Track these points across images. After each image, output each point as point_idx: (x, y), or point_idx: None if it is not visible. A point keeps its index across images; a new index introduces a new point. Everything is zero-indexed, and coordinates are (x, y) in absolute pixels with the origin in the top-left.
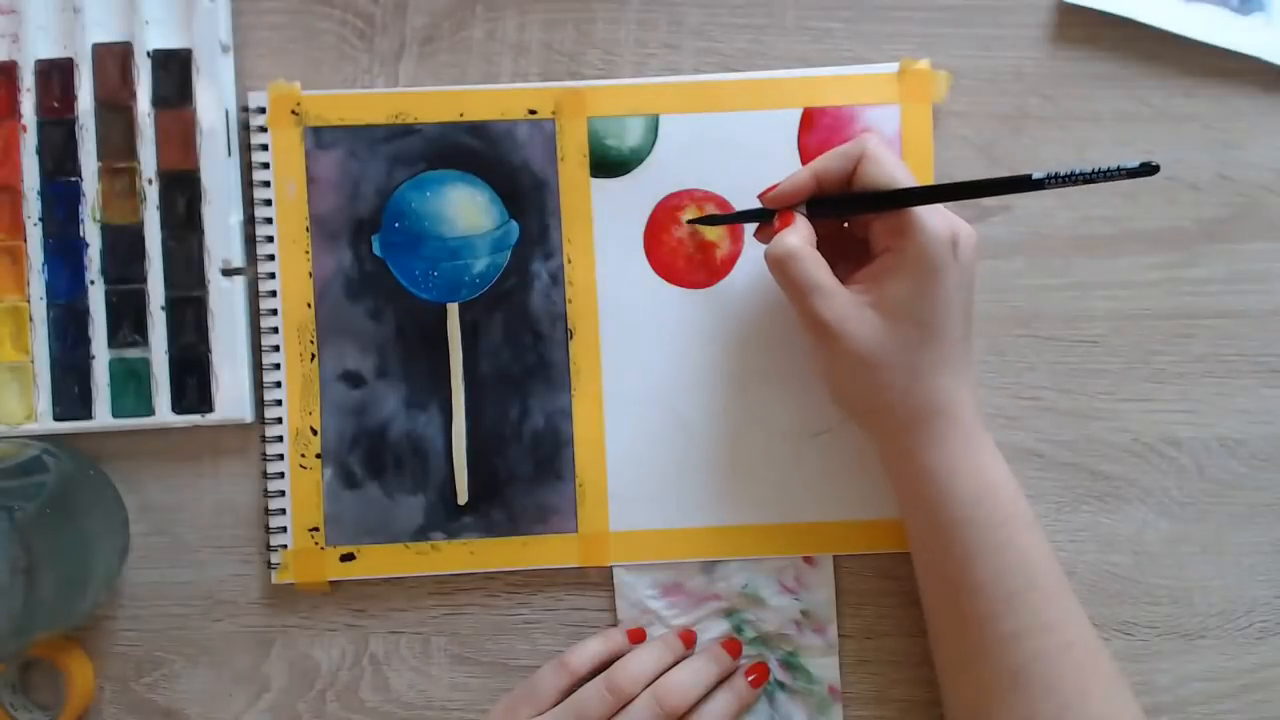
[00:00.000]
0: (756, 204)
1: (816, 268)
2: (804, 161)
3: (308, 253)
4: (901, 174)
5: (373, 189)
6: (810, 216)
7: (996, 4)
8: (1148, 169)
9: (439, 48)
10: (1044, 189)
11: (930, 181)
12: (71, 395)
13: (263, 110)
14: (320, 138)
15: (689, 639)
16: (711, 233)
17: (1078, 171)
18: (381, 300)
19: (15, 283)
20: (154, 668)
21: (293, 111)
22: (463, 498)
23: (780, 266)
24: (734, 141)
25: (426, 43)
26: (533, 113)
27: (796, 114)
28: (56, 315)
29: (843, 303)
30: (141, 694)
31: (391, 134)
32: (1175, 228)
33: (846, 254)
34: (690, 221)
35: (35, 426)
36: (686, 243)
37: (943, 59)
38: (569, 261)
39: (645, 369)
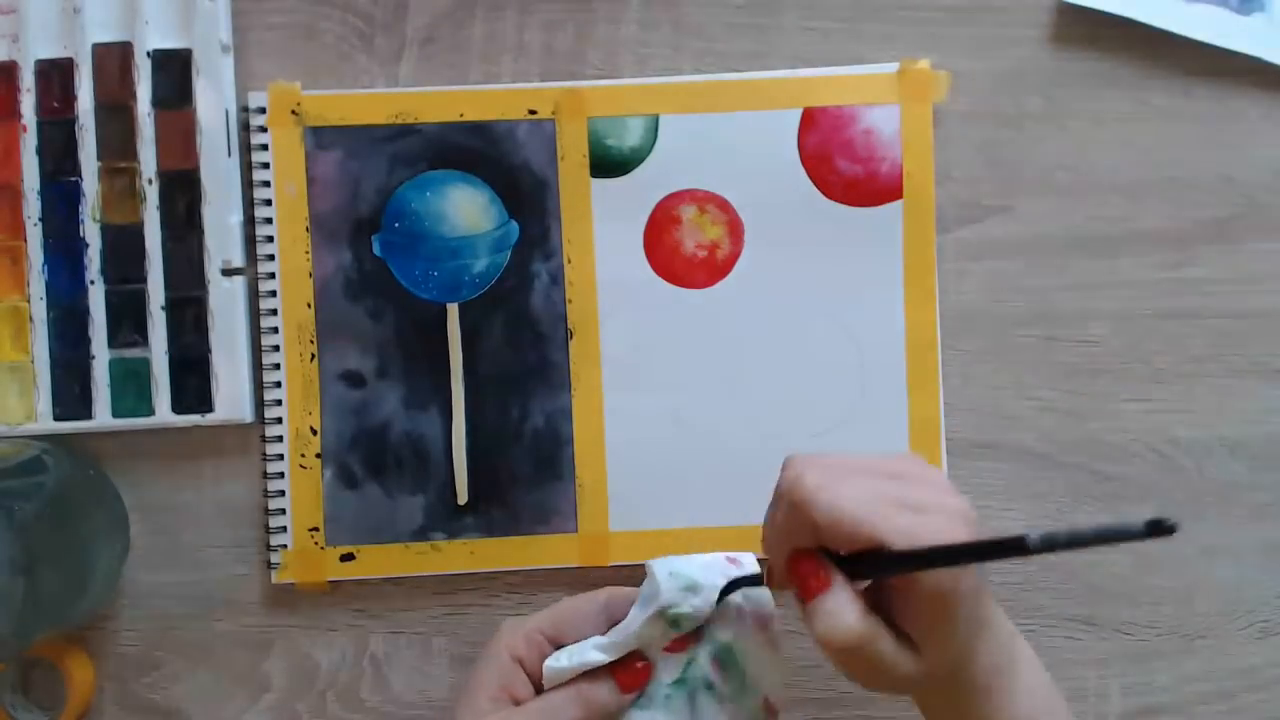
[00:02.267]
0: (762, 209)
1: (887, 643)
2: (804, 161)
3: (308, 253)
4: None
5: (373, 189)
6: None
7: (996, 4)
8: (1160, 529)
9: (439, 48)
10: (1037, 553)
11: (930, 182)
12: (71, 395)
13: (263, 110)
14: (320, 138)
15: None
16: (711, 232)
17: (1079, 534)
18: (381, 300)
19: (15, 283)
20: (154, 668)
21: (293, 111)
22: (463, 498)
23: (847, 660)
24: (734, 141)
25: (426, 43)
26: (533, 113)
27: (796, 114)
28: (56, 315)
29: (895, 662)
30: (141, 694)
31: (392, 134)
32: (1175, 228)
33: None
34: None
35: (35, 426)
36: (686, 243)
37: (943, 59)
38: (569, 261)
39: (645, 369)
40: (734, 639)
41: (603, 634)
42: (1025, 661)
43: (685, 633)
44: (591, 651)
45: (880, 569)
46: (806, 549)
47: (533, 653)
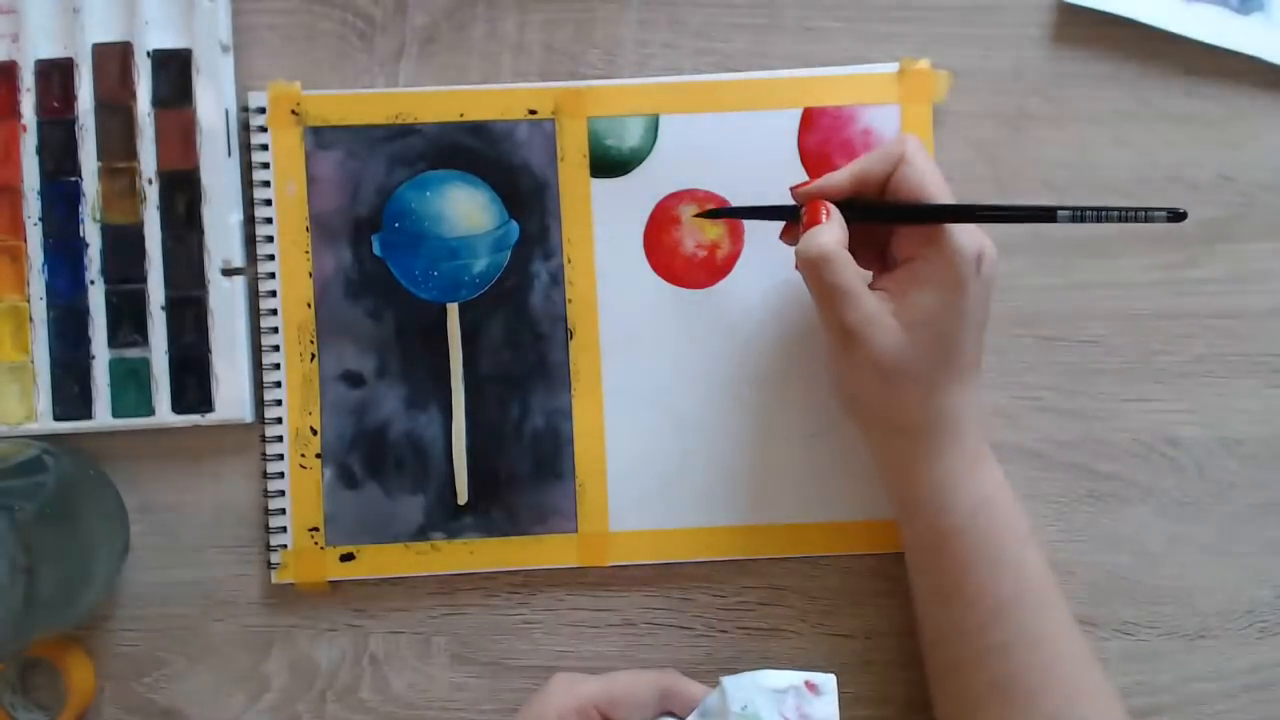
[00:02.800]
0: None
1: (849, 271)
2: (803, 161)
3: (308, 253)
4: (937, 183)
5: (373, 189)
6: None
7: (996, 4)
8: (1177, 215)
9: (439, 48)
10: (1073, 222)
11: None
12: (71, 395)
13: (263, 110)
14: (320, 138)
15: None
16: (712, 232)
17: (1105, 211)
18: (381, 300)
19: (15, 283)
20: (154, 668)
21: (293, 111)
22: (463, 498)
23: (813, 269)
24: (734, 141)
25: (426, 43)
26: (533, 113)
27: (796, 114)
28: (56, 315)
29: (869, 309)
30: (141, 694)
31: (391, 134)
32: (1175, 228)
33: (862, 252)
34: (705, 215)
35: (35, 426)
36: (686, 243)
37: (943, 59)
38: (569, 261)
39: (645, 369)
40: None
41: None
42: (980, 451)
43: None
44: None
45: (913, 215)
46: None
47: None
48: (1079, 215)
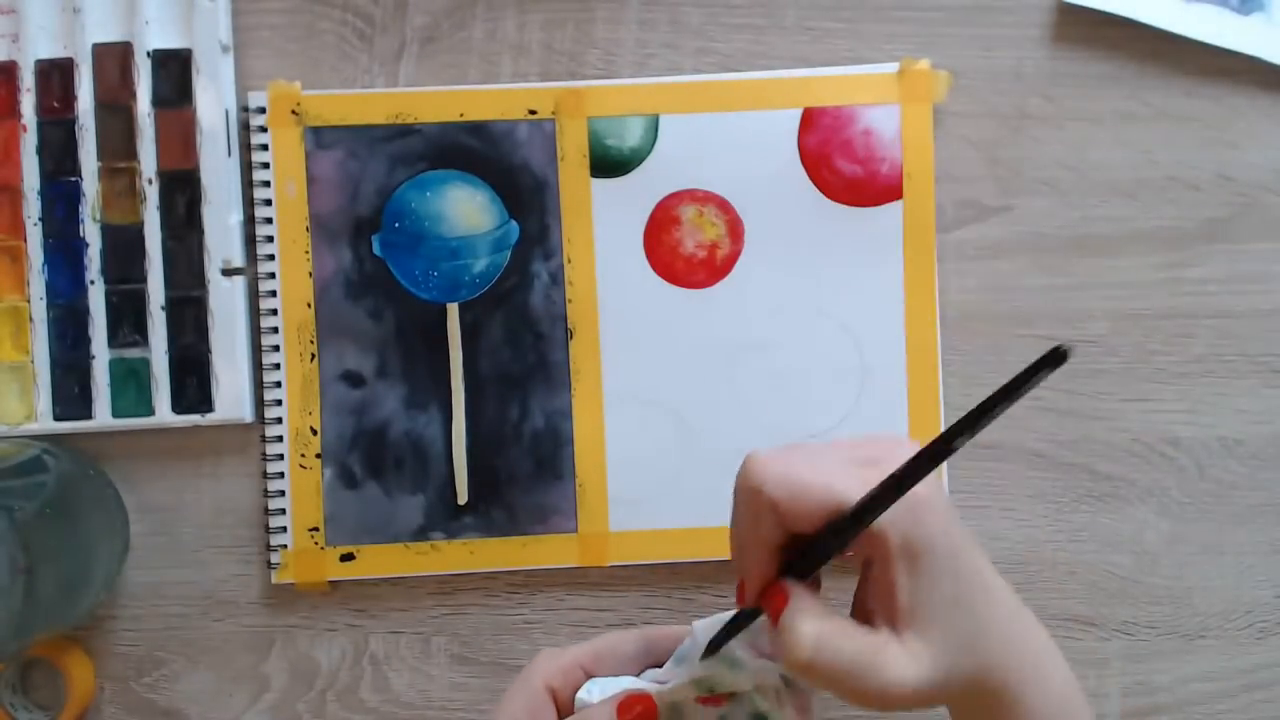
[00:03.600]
0: (762, 209)
1: (844, 642)
2: (803, 161)
3: (308, 253)
4: (840, 486)
5: (373, 189)
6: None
7: (996, 4)
8: (1056, 357)
9: (439, 48)
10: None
11: (930, 182)
12: (71, 395)
13: (263, 110)
14: (320, 138)
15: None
16: (711, 233)
17: (993, 396)
18: (381, 300)
19: (15, 283)
20: (154, 668)
21: (293, 111)
22: (463, 498)
23: (811, 672)
24: (734, 141)
25: (426, 43)
26: (533, 113)
27: (796, 114)
28: (56, 315)
29: (887, 660)
30: (141, 694)
31: (391, 134)
32: (1175, 228)
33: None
34: (706, 657)
35: (35, 426)
36: (686, 243)
37: (943, 59)
38: (569, 261)
39: (645, 369)
40: (770, 713)
41: (638, 675)
42: (1049, 656)
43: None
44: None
45: (845, 533)
46: (768, 575)
47: (567, 685)
48: (970, 421)
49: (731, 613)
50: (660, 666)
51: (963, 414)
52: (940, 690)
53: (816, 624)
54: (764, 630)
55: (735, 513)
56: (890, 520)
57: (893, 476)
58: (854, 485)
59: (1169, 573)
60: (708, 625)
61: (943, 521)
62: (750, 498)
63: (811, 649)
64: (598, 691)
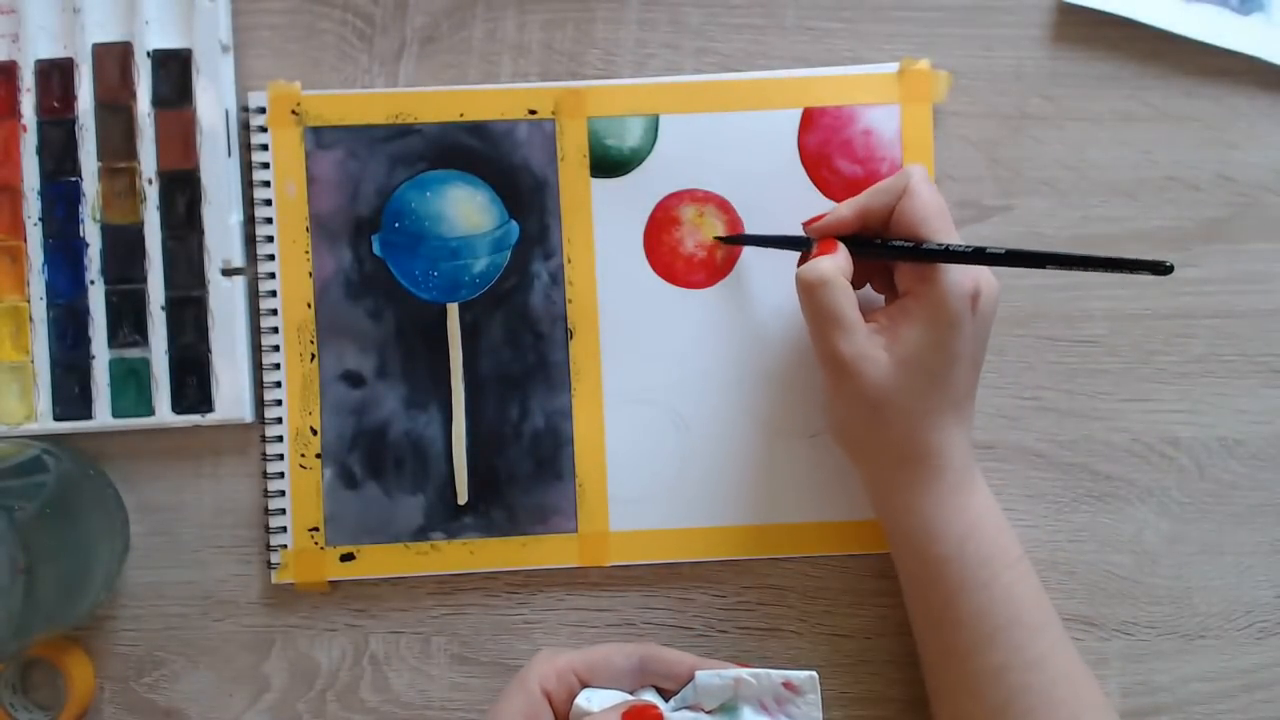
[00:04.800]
0: (762, 209)
1: (845, 300)
2: (803, 161)
3: (308, 253)
4: (938, 218)
5: (373, 189)
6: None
7: (996, 4)
8: (1161, 268)
9: (439, 48)
10: (1063, 269)
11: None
12: (71, 395)
13: (263, 110)
14: (320, 138)
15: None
16: (711, 232)
17: (1095, 259)
18: (381, 300)
19: (15, 283)
20: (154, 668)
21: (293, 111)
22: (463, 498)
23: (810, 291)
24: (734, 141)
25: (426, 43)
26: (533, 113)
27: (796, 114)
28: (56, 315)
29: (860, 341)
30: (141, 694)
31: (391, 134)
32: (1175, 228)
33: (875, 280)
34: (722, 239)
35: (35, 426)
36: (686, 243)
37: (943, 59)
38: (569, 261)
39: (645, 369)
40: None
41: (631, 694)
42: (968, 480)
43: None
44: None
45: (919, 257)
46: (841, 226)
47: (562, 689)
48: (1067, 264)
49: (732, 671)
50: (653, 688)
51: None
52: (886, 421)
53: (836, 270)
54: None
55: (880, 192)
56: (962, 285)
57: (978, 250)
58: (944, 226)
59: (1169, 573)
60: (709, 675)
61: (981, 326)
62: (899, 178)
63: (817, 278)
64: (597, 701)
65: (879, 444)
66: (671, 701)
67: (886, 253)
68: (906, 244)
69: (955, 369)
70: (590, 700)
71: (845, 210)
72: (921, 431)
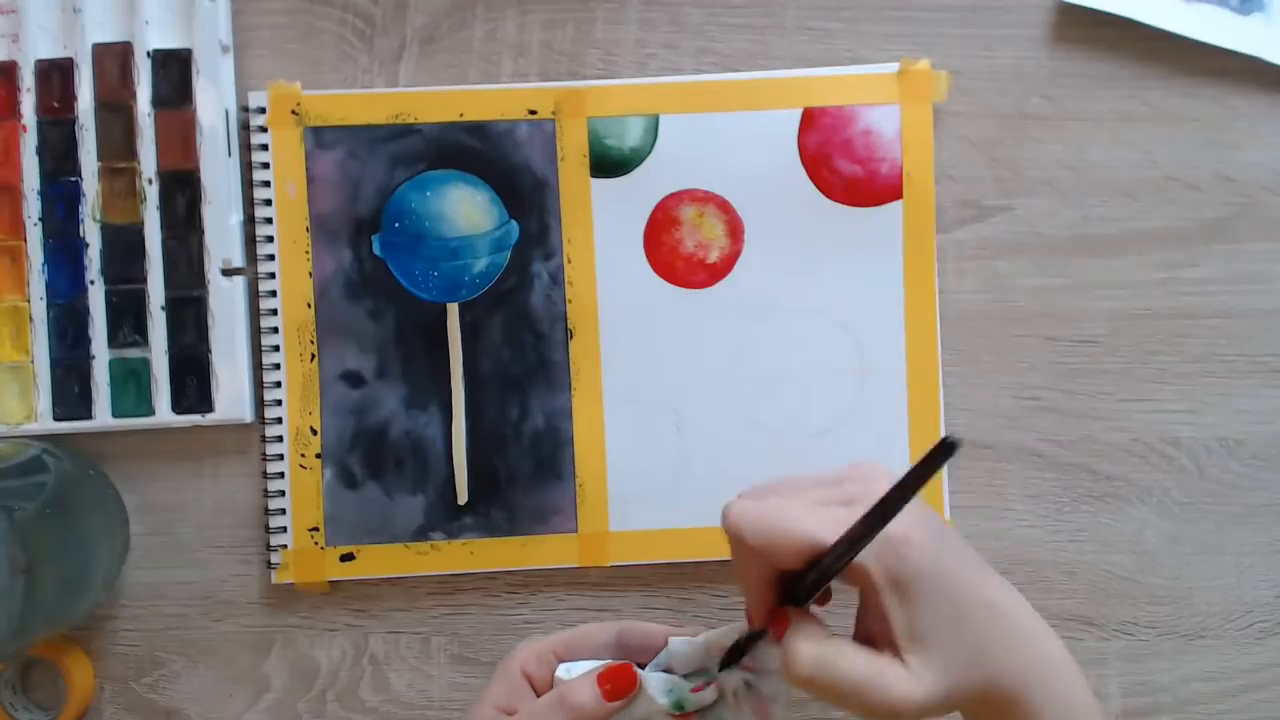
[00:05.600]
0: (762, 209)
1: (844, 662)
2: (803, 161)
3: (308, 253)
4: (813, 523)
5: (373, 189)
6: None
7: (996, 4)
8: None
9: (439, 48)
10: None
11: (930, 182)
12: (71, 395)
13: (263, 110)
14: (320, 138)
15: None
16: (711, 232)
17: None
18: (381, 300)
19: (15, 283)
20: (154, 668)
21: (293, 111)
22: (463, 498)
23: (814, 687)
24: (734, 141)
25: (426, 43)
26: (533, 113)
27: (796, 114)
28: (56, 315)
29: (889, 680)
30: (141, 694)
31: (391, 134)
32: (1175, 228)
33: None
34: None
35: (35, 426)
36: (686, 243)
37: (943, 59)
38: (569, 261)
39: (645, 369)
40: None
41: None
42: (1060, 663)
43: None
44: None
45: (826, 572)
46: (768, 603)
47: (543, 670)
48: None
49: (703, 636)
50: (632, 661)
51: (919, 462)
52: (946, 702)
53: (816, 646)
54: (767, 645)
55: (731, 552)
56: (872, 556)
57: (857, 523)
58: (829, 529)
59: (1169, 573)
60: (681, 642)
61: (928, 552)
62: (733, 545)
63: (812, 667)
64: (576, 672)
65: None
66: (648, 667)
67: (810, 591)
68: (809, 571)
69: (957, 601)
70: (570, 671)
71: (751, 589)
72: (986, 678)
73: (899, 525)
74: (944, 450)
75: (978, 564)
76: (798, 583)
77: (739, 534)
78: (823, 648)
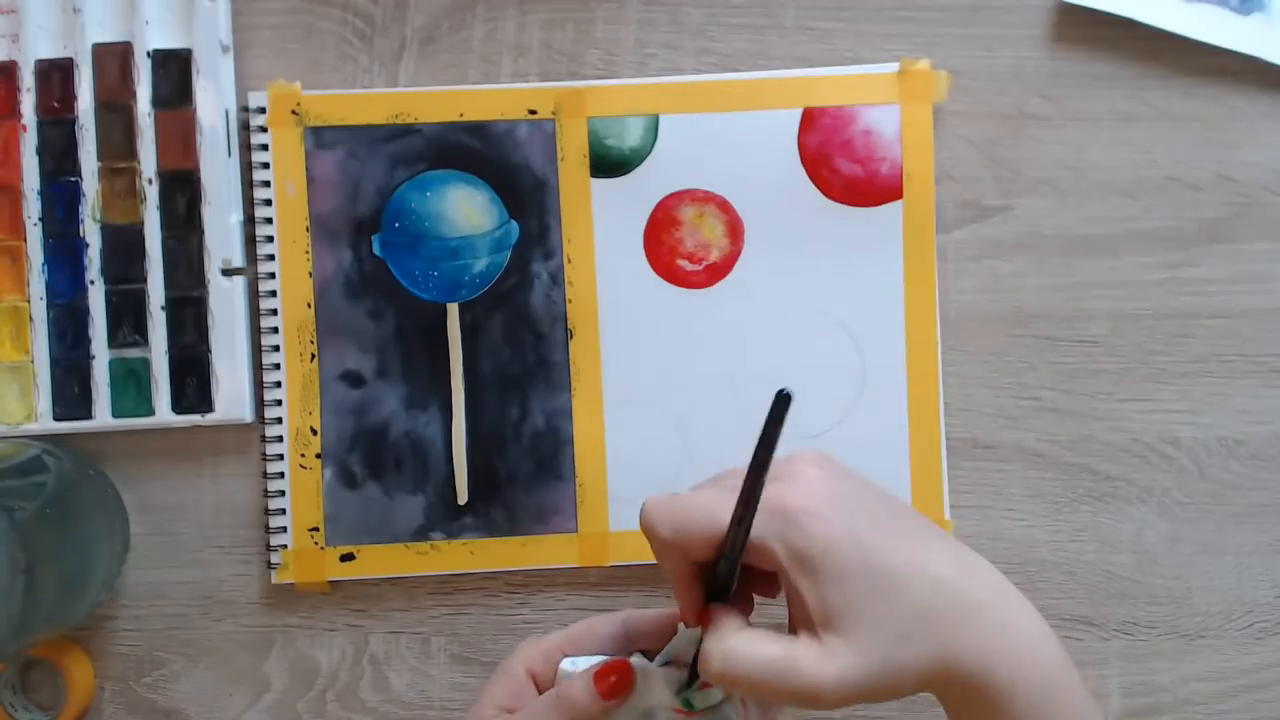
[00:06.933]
0: (762, 209)
1: (753, 651)
2: (804, 161)
3: (308, 253)
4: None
5: (373, 189)
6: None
7: (996, 4)
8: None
9: (439, 48)
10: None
11: (930, 182)
12: (71, 395)
13: (263, 110)
14: (320, 138)
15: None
16: (711, 232)
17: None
18: (381, 300)
19: (15, 283)
20: (154, 668)
21: (293, 111)
22: (463, 498)
23: (726, 682)
24: (734, 141)
25: (426, 43)
26: (533, 113)
27: (796, 114)
28: (56, 315)
29: (799, 662)
30: (141, 694)
31: (391, 134)
32: (1175, 228)
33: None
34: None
35: (35, 426)
36: (686, 243)
37: (943, 59)
38: (569, 261)
39: (645, 369)
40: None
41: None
42: (1028, 639)
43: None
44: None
45: (731, 553)
46: (695, 602)
47: (547, 668)
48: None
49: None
50: (639, 654)
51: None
52: (883, 681)
53: (726, 640)
54: None
55: (653, 552)
56: (773, 533)
57: (738, 500)
58: (729, 512)
59: (1169, 573)
60: (684, 634)
61: (833, 523)
62: (651, 541)
63: (720, 662)
64: (581, 666)
65: (907, 684)
66: (658, 657)
67: (724, 579)
68: (718, 561)
69: (879, 575)
70: (575, 665)
71: (679, 586)
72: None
73: (798, 498)
74: (780, 403)
75: (920, 535)
76: (715, 574)
77: (652, 527)
78: (732, 640)
